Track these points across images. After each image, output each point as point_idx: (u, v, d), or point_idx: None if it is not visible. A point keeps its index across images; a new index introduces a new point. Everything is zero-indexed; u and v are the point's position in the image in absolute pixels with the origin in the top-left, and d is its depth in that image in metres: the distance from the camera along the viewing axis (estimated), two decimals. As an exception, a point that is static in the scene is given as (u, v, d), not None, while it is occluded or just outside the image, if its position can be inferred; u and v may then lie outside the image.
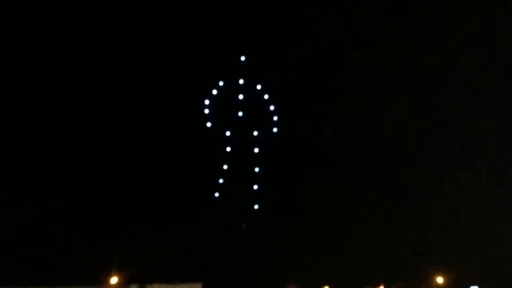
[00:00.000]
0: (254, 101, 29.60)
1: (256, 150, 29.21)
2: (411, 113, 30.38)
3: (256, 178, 29.17)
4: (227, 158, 29.09)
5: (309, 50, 29.90)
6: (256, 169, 29.17)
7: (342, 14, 29.82)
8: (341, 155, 30.21)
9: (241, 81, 29.19)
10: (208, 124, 28.82)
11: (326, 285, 28.49)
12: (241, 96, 29.25)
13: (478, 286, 28.11)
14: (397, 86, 30.51)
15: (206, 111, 28.94)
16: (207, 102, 28.93)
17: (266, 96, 29.54)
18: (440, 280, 27.64)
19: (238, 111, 29.18)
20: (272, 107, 29.71)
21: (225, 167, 28.80)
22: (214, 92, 29.08)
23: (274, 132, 29.59)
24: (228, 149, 28.95)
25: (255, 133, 29.14)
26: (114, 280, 25.69)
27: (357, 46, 30.05)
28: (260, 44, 29.27)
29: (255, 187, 29.02)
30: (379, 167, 29.80)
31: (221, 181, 28.61)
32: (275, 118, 29.68)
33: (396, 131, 30.23)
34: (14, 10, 26.55)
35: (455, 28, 29.84)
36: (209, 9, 28.17)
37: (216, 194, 28.40)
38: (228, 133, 29.07)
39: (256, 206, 28.60)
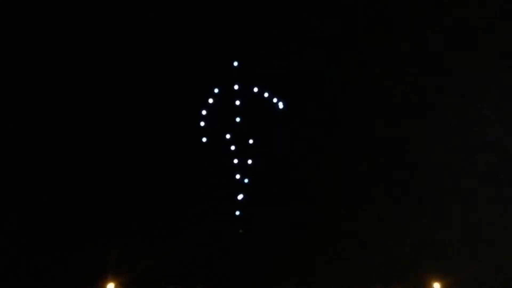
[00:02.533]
0: (253, 105, 29.86)
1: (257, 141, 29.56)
2: (414, 114, 30.22)
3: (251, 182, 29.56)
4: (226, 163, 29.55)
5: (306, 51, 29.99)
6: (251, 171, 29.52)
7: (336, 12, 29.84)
8: (339, 156, 30.21)
9: (236, 87, 29.41)
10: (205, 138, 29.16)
11: (322, 287, 28.75)
12: (238, 102, 29.48)
13: (475, 292, 27.92)
14: (398, 84, 30.35)
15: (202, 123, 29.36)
16: (204, 112, 29.30)
17: (266, 95, 29.64)
18: (437, 286, 27.56)
19: (236, 117, 29.47)
20: (275, 99, 29.76)
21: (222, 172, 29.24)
22: (210, 101, 29.41)
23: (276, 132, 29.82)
24: (233, 147, 29.34)
25: (255, 139, 29.42)
26: (111, 286, 26.55)
27: (352, 41, 30.14)
28: (253, 46, 29.49)
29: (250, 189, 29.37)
30: (375, 170, 29.73)
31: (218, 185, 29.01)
32: (280, 105, 29.72)
33: (397, 132, 30.12)
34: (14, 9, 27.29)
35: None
36: (196, 16, 28.43)
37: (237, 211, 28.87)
38: (228, 136, 29.45)
39: (237, 213, 28.93)
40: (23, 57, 27.37)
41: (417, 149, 30.00)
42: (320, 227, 29.40)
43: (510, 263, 27.49)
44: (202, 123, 29.20)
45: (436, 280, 27.81)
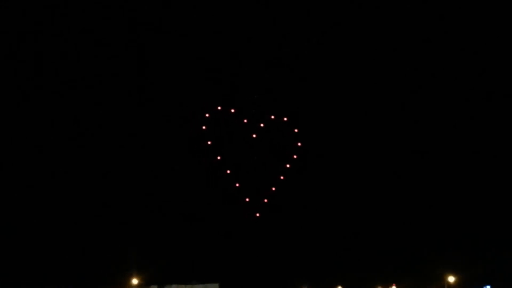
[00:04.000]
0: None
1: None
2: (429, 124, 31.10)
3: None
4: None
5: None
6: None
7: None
8: (352, 155, 31.05)
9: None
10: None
11: (338, 285, 29.25)
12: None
13: (490, 286, 28.24)
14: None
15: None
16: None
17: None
18: (451, 279, 27.95)
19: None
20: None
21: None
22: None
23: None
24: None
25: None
26: (134, 281, 27.37)
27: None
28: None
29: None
30: (387, 167, 30.51)
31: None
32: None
33: (401, 131, 30.88)
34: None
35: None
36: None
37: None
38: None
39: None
40: (23, 57, 28.30)
41: (428, 151, 30.69)
42: (333, 227, 30.14)
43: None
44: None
45: (451, 273, 28.29)
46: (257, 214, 29.91)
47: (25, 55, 27.89)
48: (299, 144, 31.74)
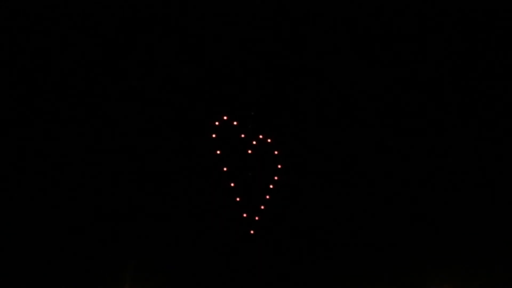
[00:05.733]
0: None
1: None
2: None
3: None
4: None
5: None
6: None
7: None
8: (351, 158, 31.59)
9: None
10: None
11: None
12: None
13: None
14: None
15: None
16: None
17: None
18: (443, 293, 29.14)
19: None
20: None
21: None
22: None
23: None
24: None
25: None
26: (127, 296, 25.48)
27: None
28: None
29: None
30: (381, 174, 31.46)
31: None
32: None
33: (396, 134, 31.96)
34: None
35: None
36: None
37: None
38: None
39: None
40: (24, 56, 26.95)
41: (425, 157, 32.10)
42: (323, 233, 30.31)
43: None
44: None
45: (445, 285, 29.41)
46: (252, 232, 29.40)
47: (24, 55, 26.19)
48: (279, 166, 32.13)
